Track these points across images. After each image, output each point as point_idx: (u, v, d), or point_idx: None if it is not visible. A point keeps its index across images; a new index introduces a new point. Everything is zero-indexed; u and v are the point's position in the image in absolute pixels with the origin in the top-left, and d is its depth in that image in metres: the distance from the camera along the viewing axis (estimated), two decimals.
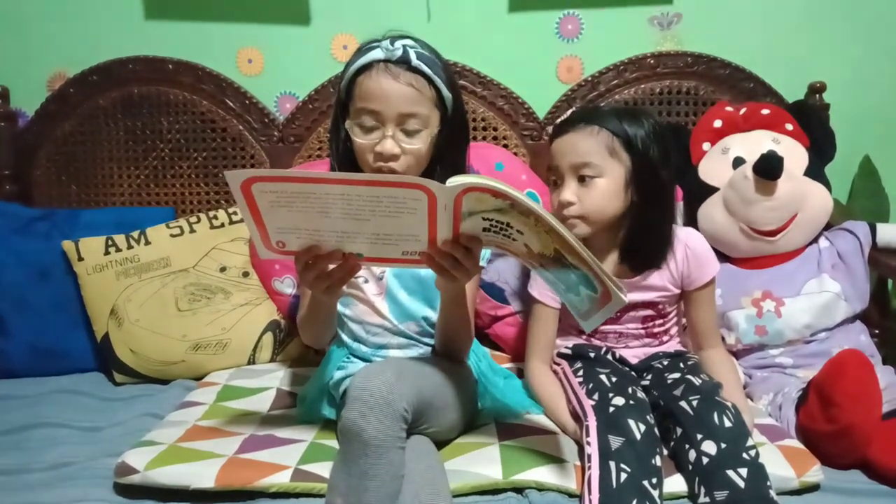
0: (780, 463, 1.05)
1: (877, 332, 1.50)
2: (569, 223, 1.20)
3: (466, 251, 0.94)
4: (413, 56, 1.09)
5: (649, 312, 1.28)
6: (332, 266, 0.98)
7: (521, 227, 0.91)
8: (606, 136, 1.18)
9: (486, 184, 0.86)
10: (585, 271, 0.91)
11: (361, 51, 1.13)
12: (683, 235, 1.26)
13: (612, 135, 1.18)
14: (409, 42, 1.12)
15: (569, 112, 1.69)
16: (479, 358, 1.27)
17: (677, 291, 1.27)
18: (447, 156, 1.17)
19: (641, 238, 1.22)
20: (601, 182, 1.18)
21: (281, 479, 1.03)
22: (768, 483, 0.98)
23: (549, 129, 1.68)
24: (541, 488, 1.03)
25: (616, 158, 1.18)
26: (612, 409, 1.05)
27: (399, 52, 1.09)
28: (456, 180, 0.86)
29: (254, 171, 0.87)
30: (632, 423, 1.02)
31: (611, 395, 1.08)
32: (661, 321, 1.29)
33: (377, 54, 1.10)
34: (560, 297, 1.02)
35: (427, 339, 1.23)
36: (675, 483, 1.03)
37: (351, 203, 0.88)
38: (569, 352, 1.29)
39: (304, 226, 0.92)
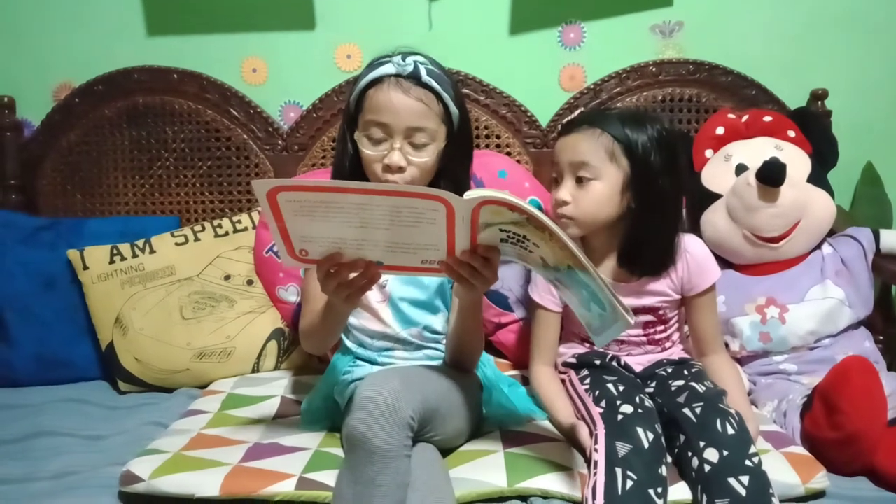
0: (785, 470, 1.05)
1: (881, 338, 1.50)
2: (562, 222, 1.22)
3: (485, 261, 0.96)
4: (423, 72, 1.12)
5: (650, 318, 1.28)
6: (353, 275, 0.98)
7: (537, 240, 0.92)
8: (607, 139, 1.19)
9: (503, 198, 0.88)
10: (595, 289, 0.92)
11: (372, 65, 1.15)
12: (683, 242, 1.26)
13: (613, 139, 1.19)
14: (419, 58, 1.14)
15: (577, 112, 1.70)
16: (484, 364, 1.27)
17: (677, 297, 1.27)
18: (450, 169, 1.18)
19: (639, 245, 1.22)
20: (597, 185, 1.19)
21: (286, 488, 1.03)
22: (770, 491, 0.98)
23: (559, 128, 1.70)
24: (545, 496, 1.03)
25: (615, 163, 1.19)
26: (620, 416, 1.05)
27: (410, 68, 1.12)
28: (473, 193, 0.88)
29: (279, 181, 0.88)
30: (640, 431, 1.02)
31: (619, 402, 1.08)
32: (662, 327, 1.29)
33: (388, 69, 1.13)
34: (574, 311, 1.03)
35: (430, 345, 1.24)
36: (679, 491, 1.03)
37: (371, 212, 0.89)
38: (574, 361, 1.29)
39: (325, 234, 0.93)
